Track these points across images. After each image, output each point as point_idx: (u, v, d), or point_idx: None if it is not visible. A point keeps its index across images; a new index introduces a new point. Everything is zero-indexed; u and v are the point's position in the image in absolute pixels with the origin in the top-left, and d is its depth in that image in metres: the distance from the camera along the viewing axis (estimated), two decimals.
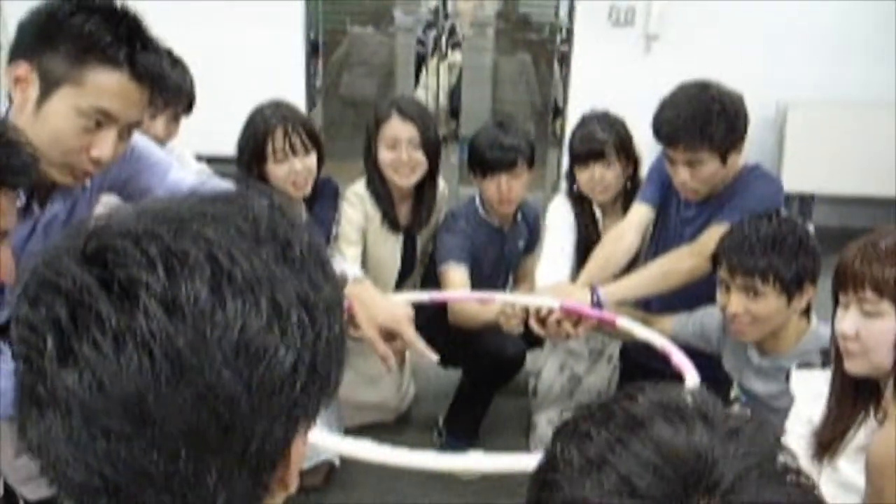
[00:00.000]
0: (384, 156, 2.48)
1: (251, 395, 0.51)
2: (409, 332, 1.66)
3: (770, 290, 1.82)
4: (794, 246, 1.83)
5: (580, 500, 0.56)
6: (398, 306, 1.68)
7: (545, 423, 2.65)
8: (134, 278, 0.50)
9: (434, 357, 1.71)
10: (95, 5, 1.29)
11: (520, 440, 2.72)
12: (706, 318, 2.14)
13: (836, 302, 1.36)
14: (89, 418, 0.50)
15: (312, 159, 2.37)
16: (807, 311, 1.93)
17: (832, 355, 1.40)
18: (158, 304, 0.50)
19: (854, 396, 1.34)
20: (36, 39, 1.29)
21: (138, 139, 1.57)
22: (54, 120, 1.30)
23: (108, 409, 0.49)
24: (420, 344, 1.66)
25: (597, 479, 0.55)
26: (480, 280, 2.54)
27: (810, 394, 1.55)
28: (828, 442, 1.35)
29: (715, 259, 1.95)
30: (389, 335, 1.71)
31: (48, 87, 1.29)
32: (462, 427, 2.63)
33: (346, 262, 1.72)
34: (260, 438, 0.53)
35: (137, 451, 0.50)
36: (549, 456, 0.61)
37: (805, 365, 1.76)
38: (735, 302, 1.86)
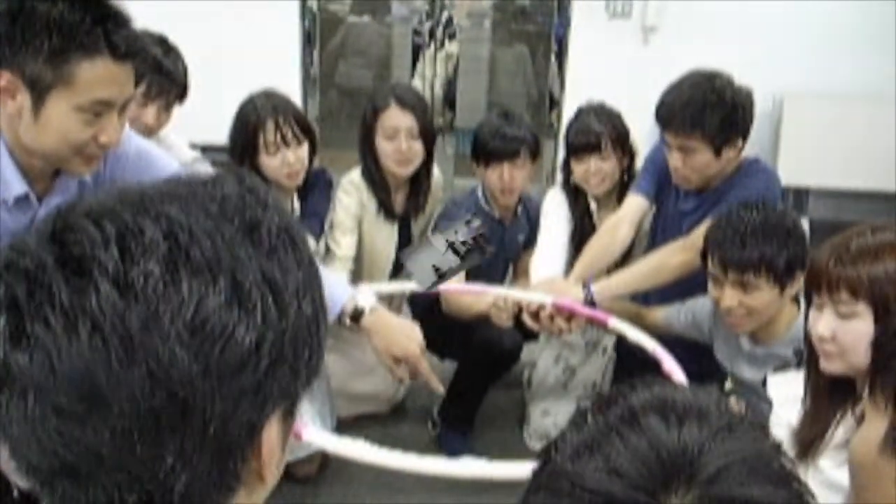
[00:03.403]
0: (384, 146, 2.47)
1: (208, 375, 0.50)
2: (423, 367, 1.76)
3: (763, 282, 1.82)
4: (783, 234, 1.82)
5: (568, 472, 0.57)
6: (412, 338, 1.74)
7: (539, 414, 2.66)
8: (88, 256, 0.50)
9: (440, 388, 1.85)
10: None
11: (514, 431, 2.73)
12: (697, 307, 2.14)
13: (808, 301, 1.34)
14: (42, 398, 0.49)
15: (304, 150, 2.36)
16: (796, 298, 1.92)
17: (805, 355, 1.38)
18: (110, 283, 0.49)
19: (829, 395, 1.32)
20: (8, 45, 1.25)
21: (152, 148, 1.58)
22: (57, 123, 1.29)
23: (59, 388, 0.49)
24: (432, 377, 1.78)
25: (587, 459, 0.57)
26: (478, 270, 2.54)
27: (788, 396, 1.53)
28: (808, 442, 1.33)
29: (704, 254, 1.94)
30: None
31: (39, 93, 1.27)
32: (457, 418, 2.63)
33: (361, 292, 1.78)
34: (221, 420, 0.51)
35: (90, 431, 0.49)
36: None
37: (781, 367, 1.76)
38: (729, 296, 1.86)
